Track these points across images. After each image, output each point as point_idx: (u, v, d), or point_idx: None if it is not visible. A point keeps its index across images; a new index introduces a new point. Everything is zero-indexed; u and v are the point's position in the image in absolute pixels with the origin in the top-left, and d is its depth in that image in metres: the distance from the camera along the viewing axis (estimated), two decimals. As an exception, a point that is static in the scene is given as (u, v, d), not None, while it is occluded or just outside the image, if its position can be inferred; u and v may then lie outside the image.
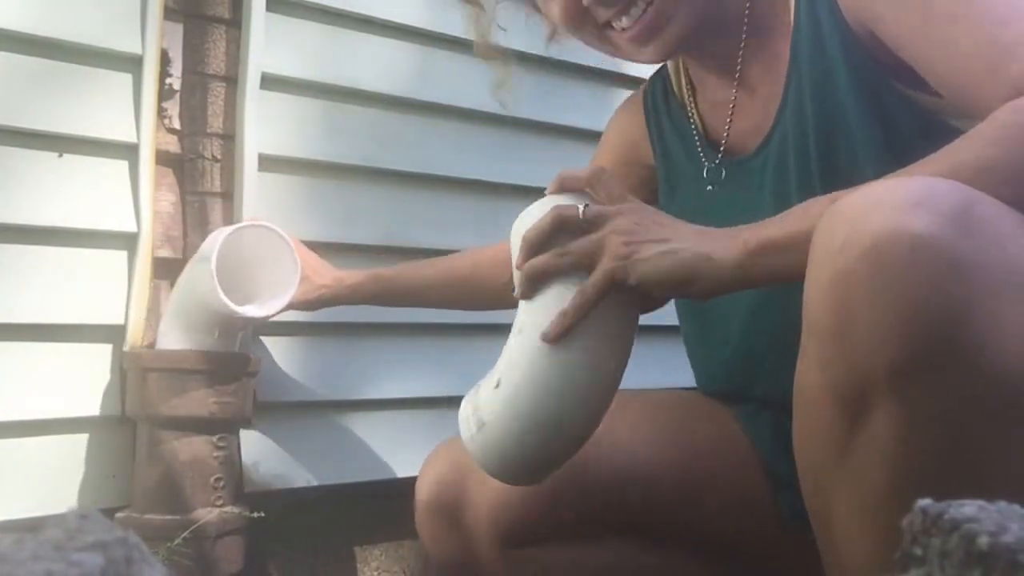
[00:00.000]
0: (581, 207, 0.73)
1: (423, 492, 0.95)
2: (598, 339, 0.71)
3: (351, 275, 1.19)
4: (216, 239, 1.07)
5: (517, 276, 0.75)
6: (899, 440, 0.57)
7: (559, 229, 0.73)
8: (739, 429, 0.94)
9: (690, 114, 0.98)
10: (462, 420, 0.75)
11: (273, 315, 1.13)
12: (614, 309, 0.72)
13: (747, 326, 0.91)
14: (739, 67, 0.89)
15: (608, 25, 0.84)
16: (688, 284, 0.69)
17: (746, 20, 0.88)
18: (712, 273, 0.68)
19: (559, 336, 0.70)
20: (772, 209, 0.72)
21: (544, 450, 0.73)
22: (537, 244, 0.73)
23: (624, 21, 0.82)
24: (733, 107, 0.92)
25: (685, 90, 0.99)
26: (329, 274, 1.19)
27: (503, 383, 0.71)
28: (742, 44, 0.88)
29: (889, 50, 0.78)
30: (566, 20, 0.86)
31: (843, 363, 0.58)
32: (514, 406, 0.71)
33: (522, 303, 0.75)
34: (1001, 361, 0.55)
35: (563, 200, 0.74)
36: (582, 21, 0.85)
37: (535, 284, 0.73)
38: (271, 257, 1.12)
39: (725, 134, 0.93)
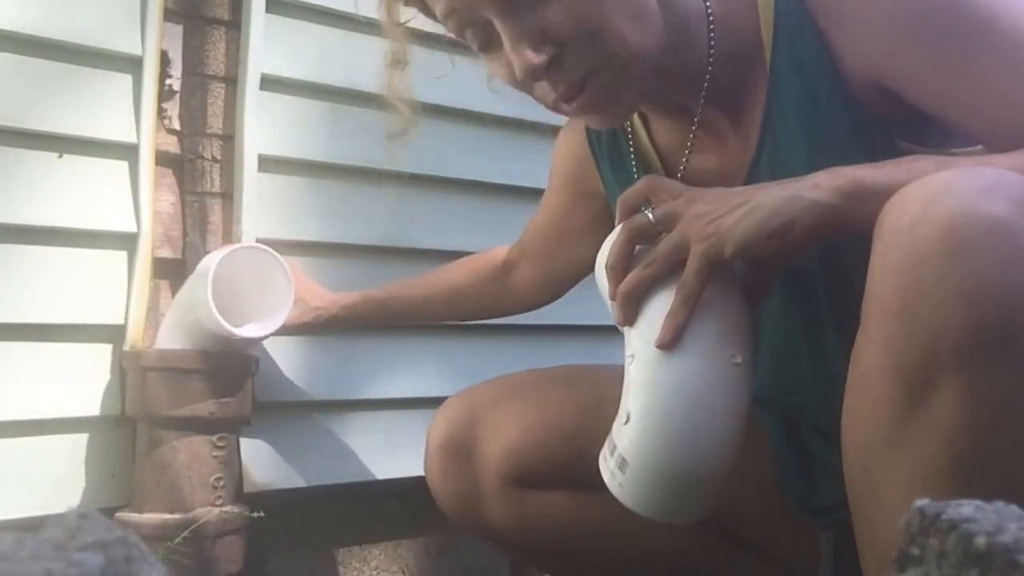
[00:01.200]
0: (649, 213, 0.70)
1: (436, 432, 0.98)
2: (715, 333, 0.65)
3: (346, 296, 1.20)
4: (212, 260, 1.08)
5: (612, 307, 0.71)
6: (962, 420, 0.57)
7: (636, 242, 0.71)
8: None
9: (639, 147, 0.92)
10: (604, 472, 0.69)
11: (267, 336, 1.14)
12: (723, 296, 0.67)
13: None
14: (700, 108, 0.82)
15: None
16: (786, 231, 0.65)
17: (711, 60, 0.80)
18: (808, 212, 0.64)
19: (674, 339, 0.65)
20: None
21: (696, 467, 0.64)
22: (621, 266, 0.71)
23: (565, 91, 0.74)
24: (691, 146, 0.86)
25: (639, 125, 0.92)
26: (325, 297, 1.20)
27: (632, 415, 0.65)
28: (704, 85, 0.81)
29: (894, 102, 0.74)
30: (511, 84, 0.78)
31: (909, 341, 0.57)
32: (649, 432, 0.64)
33: (626, 331, 0.70)
34: None
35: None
36: (526, 90, 0.78)
37: (633, 305, 0.70)
38: (265, 278, 1.14)
39: (679, 174, 0.87)
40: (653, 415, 0.64)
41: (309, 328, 1.20)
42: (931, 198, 0.58)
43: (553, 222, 1.12)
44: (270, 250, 1.14)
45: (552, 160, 1.10)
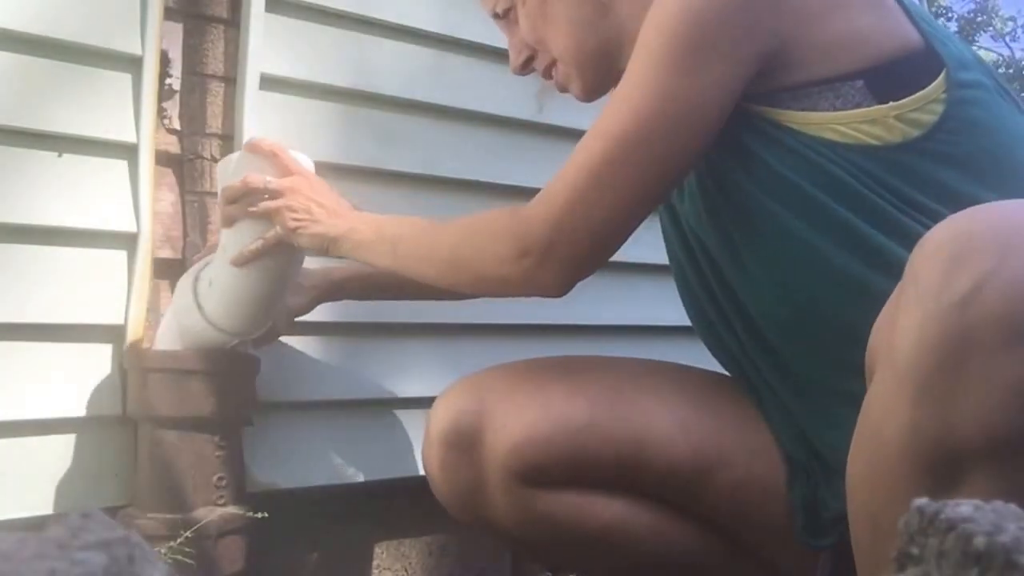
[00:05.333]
0: (267, 179, 1.04)
1: (439, 419, 0.96)
2: (268, 272, 1.07)
3: (337, 270, 1.20)
4: (198, 265, 1.12)
5: (221, 205, 1.08)
6: None
7: (249, 191, 1.04)
8: (760, 416, 0.95)
9: None
10: (190, 290, 1.09)
11: (256, 336, 1.14)
12: (280, 252, 1.06)
13: (759, 314, 0.91)
14: None
15: None
16: (325, 251, 1.03)
17: None
18: (333, 251, 1.02)
19: (240, 263, 1.04)
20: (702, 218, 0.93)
21: (241, 319, 1.09)
22: (232, 197, 1.05)
23: (543, 76, 1.05)
24: None
25: None
26: (317, 275, 1.20)
27: (214, 283, 1.08)
28: None
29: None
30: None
31: (942, 426, 0.54)
32: (220, 299, 1.07)
33: (223, 232, 1.09)
34: None
35: (254, 161, 1.07)
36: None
37: (231, 222, 1.06)
38: None
39: None
40: (224, 291, 1.07)
41: (305, 309, 1.20)
42: (990, 266, 0.54)
43: None
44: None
45: None
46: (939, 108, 0.82)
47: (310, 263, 1.19)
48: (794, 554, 0.91)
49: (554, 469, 0.91)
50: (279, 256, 1.06)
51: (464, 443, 0.94)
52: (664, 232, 1.06)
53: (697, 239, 0.96)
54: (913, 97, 0.83)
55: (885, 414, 0.59)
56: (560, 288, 0.90)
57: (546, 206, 0.88)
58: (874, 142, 0.82)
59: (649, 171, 0.85)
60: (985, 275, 0.54)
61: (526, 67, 1.05)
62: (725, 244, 0.92)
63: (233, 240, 1.07)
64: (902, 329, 0.58)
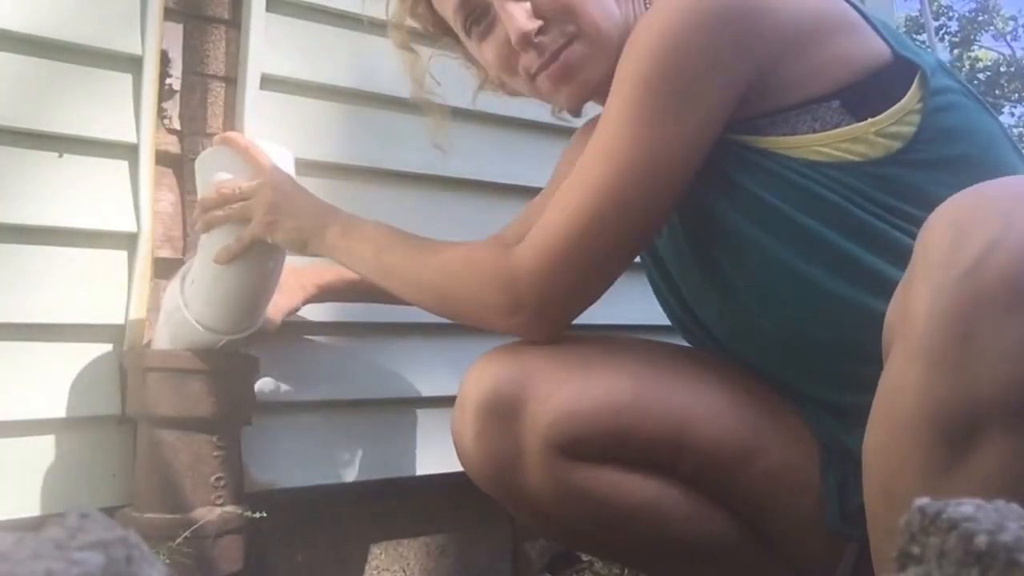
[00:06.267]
0: (238, 187, 1.06)
1: (476, 387, 0.92)
2: (245, 269, 1.09)
3: (328, 271, 1.21)
4: (186, 267, 1.13)
5: (197, 215, 1.10)
6: (1005, 479, 0.56)
7: (224, 196, 1.06)
8: (793, 404, 0.95)
9: None
10: (177, 290, 1.11)
11: (250, 334, 1.14)
12: (257, 250, 1.08)
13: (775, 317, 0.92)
14: None
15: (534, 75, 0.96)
16: (301, 250, 1.05)
17: None
18: (312, 248, 1.04)
19: (224, 260, 1.06)
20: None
21: (224, 317, 1.10)
22: (209, 207, 1.08)
23: (547, 59, 0.94)
24: None
25: None
26: (306, 276, 1.21)
27: (196, 281, 1.10)
28: None
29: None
30: (500, 66, 0.97)
31: (955, 393, 0.56)
32: (201, 296, 1.09)
33: (203, 236, 1.11)
34: None
35: (228, 155, 1.09)
36: (514, 68, 0.96)
37: (209, 228, 1.08)
38: None
39: None
40: (204, 288, 1.09)
41: (295, 309, 1.22)
42: (994, 235, 0.56)
43: (547, 205, 1.15)
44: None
45: (570, 146, 1.18)
46: (916, 119, 0.84)
47: (301, 264, 1.19)
48: (817, 547, 0.91)
49: (595, 444, 0.89)
50: (258, 253, 1.08)
51: (504, 412, 0.90)
52: (643, 262, 1.08)
53: (674, 269, 1.00)
54: (890, 111, 0.84)
55: (900, 384, 0.61)
56: (550, 339, 0.93)
57: (537, 263, 0.88)
58: (857, 158, 0.83)
59: (636, 220, 0.87)
60: (990, 244, 0.56)
61: (532, 40, 0.92)
62: (714, 275, 0.93)
63: (212, 240, 1.09)
64: (913, 301, 0.60)
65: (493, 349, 0.96)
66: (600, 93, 0.93)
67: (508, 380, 0.91)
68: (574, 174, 0.89)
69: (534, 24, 0.91)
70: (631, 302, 1.54)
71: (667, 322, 1.12)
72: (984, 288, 0.55)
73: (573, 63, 0.93)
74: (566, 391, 0.89)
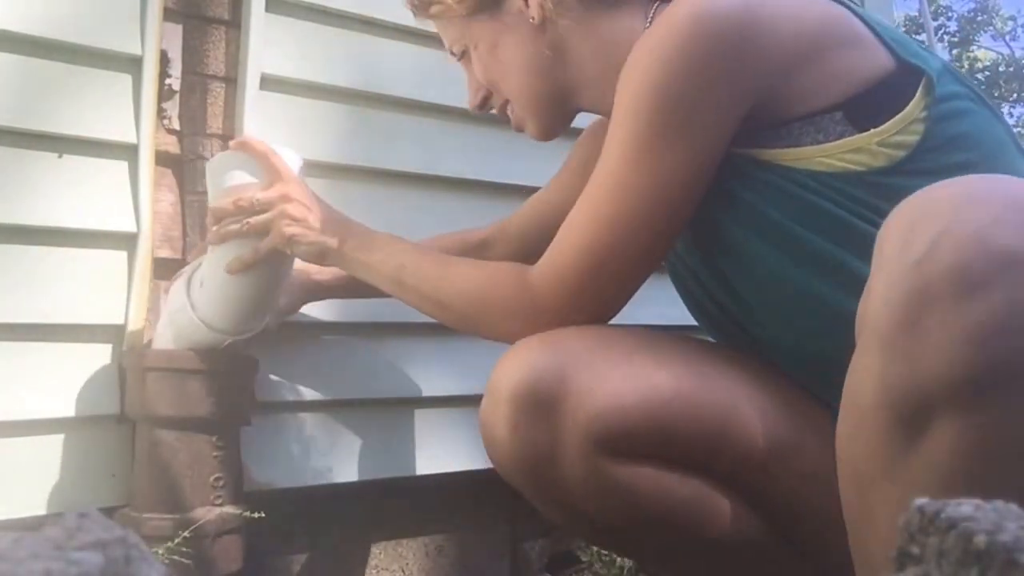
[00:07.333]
0: (258, 195, 1.04)
1: (512, 378, 0.88)
2: (258, 276, 1.07)
3: (323, 270, 1.21)
4: (189, 267, 1.13)
5: (210, 223, 1.08)
6: (956, 458, 0.57)
7: (241, 206, 1.04)
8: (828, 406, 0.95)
9: None
10: (183, 290, 1.09)
11: (250, 335, 1.14)
12: (272, 259, 1.07)
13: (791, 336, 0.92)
14: None
15: None
16: (320, 261, 1.05)
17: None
18: (331, 260, 1.04)
19: (237, 270, 1.05)
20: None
21: (233, 319, 1.10)
22: (222, 217, 1.05)
23: (501, 114, 1.08)
24: None
25: None
26: (302, 275, 1.21)
27: (205, 284, 1.08)
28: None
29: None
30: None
31: (906, 379, 0.58)
32: (210, 299, 1.08)
33: (211, 247, 1.09)
34: None
35: (243, 160, 1.06)
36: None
37: (223, 239, 1.06)
38: None
39: None
40: (213, 295, 1.08)
41: (294, 308, 1.23)
42: (942, 227, 0.58)
43: (552, 199, 1.19)
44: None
45: (580, 140, 1.22)
46: (920, 127, 0.84)
47: (300, 263, 1.19)
48: (845, 548, 0.91)
49: (637, 440, 0.87)
50: (272, 260, 1.07)
51: (543, 404, 0.86)
52: (671, 267, 1.09)
53: (696, 274, 1.01)
54: (893, 120, 0.84)
55: (861, 375, 0.63)
56: None
57: (557, 298, 0.91)
58: (860, 168, 0.84)
59: (647, 245, 0.89)
60: (938, 234, 0.58)
61: (483, 106, 1.09)
62: (724, 287, 0.95)
63: (225, 249, 1.06)
64: (870, 294, 0.63)
65: (527, 338, 0.92)
66: (564, 125, 1.06)
67: (547, 370, 0.87)
68: (582, 202, 0.90)
69: (480, 95, 1.08)
70: (644, 300, 1.54)
71: (678, 324, 1.12)
72: (931, 277, 0.57)
73: (518, 120, 1.07)
74: (607, 385, 0.86)
